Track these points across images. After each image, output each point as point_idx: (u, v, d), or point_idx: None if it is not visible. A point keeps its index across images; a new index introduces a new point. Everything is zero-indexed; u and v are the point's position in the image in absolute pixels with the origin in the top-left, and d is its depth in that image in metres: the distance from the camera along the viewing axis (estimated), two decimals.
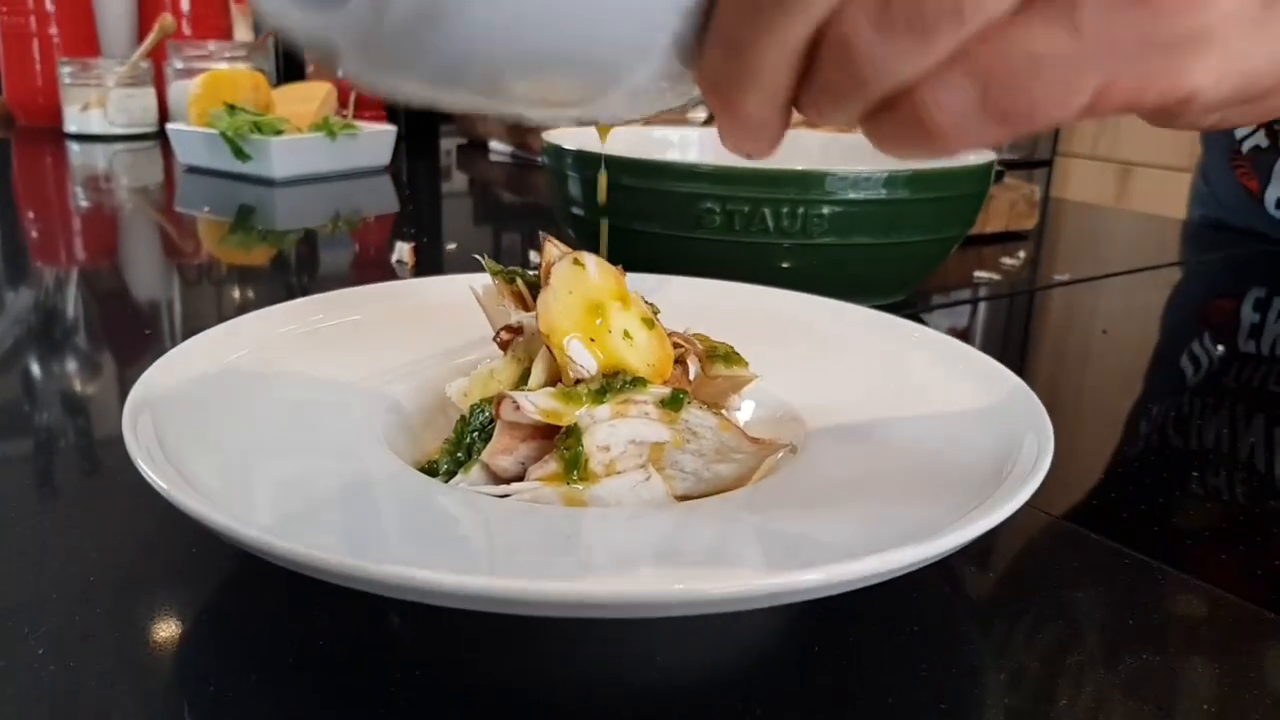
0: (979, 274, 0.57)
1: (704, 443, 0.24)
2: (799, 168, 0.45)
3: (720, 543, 0.21)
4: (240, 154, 0.78)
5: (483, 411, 0.25)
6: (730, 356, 0.27)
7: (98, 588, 0.23)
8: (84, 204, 0.82)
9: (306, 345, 0.32)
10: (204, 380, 0.28)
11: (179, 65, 1.03)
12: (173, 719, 0.20)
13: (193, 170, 0.85)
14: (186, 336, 0.29)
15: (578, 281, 0.25)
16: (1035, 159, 0.79)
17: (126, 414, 0.24)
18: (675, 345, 0.27)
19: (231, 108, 0.80)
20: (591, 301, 0.25)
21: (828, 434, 0.27)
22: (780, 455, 0.25)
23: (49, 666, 0.20)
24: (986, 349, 0.30)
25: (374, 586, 0.18)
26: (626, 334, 0.25)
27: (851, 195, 0.45)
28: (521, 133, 0.99)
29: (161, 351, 0.28)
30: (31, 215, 0.78)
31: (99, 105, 1.02)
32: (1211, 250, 0.71)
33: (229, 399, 0.27)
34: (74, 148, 1.02)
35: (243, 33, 1.23)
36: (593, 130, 0.56)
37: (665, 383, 0.25)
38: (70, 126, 1.04)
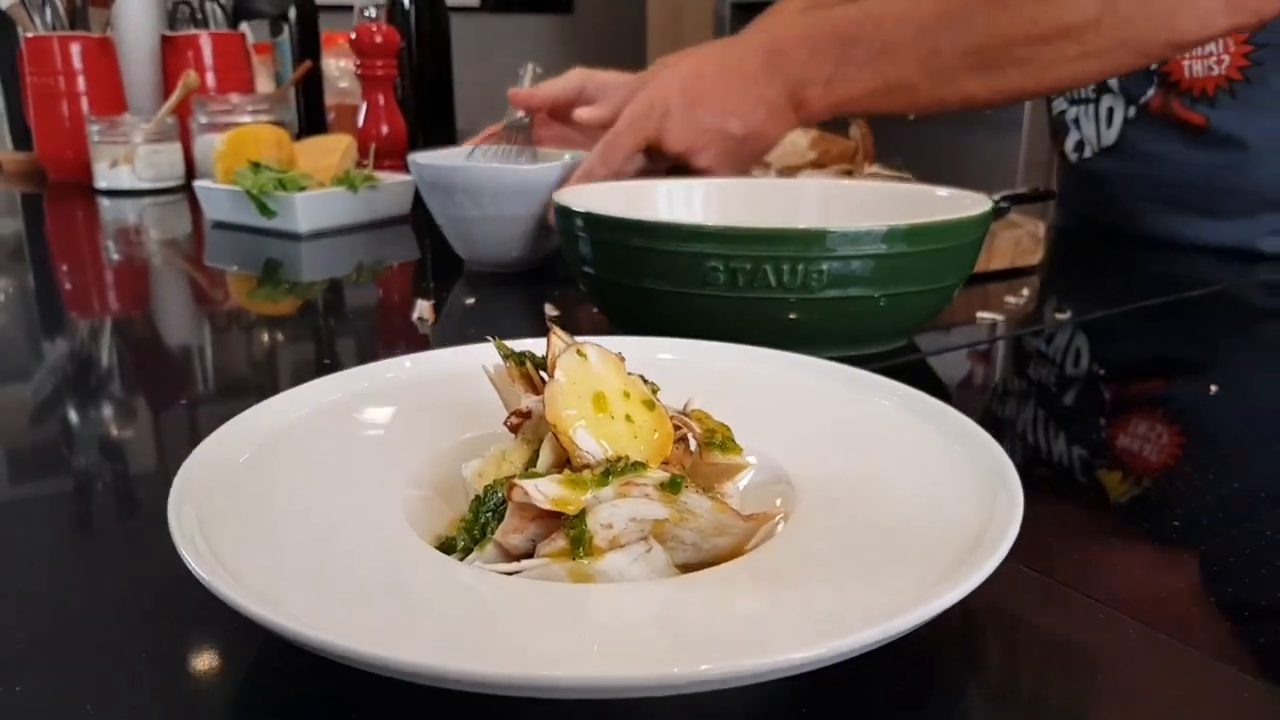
0: (981, 315, 0.58)
1: (701, 521, 0.26)
2: (800, 226, 0.47)
3: (710, 624, 0.23)
4: (265, 211, 0.81)
5: (496, 493, 0.27)
6: (726, 444, 0.29)
7: (130, 626, 0.25)
8: (115, 257, 0.85)
9: (335, 423, 0.34)
10: (239, 465, 0.30)
11: (204, 120, 1.06)
12: None
13: (220, 225, 0.88)
14: (220, 385, 0.31)
15: (581, 372, 0.27)
16: (1046, 191, 0.80)
17: (171, 502, 0.26)
18: (675, 426, 0.28)
19: (256, 165, 0.83)
20: (594, 391, 0.27)
21: (814, 500, 0.29)
22: (770, 527, 0.27)
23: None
24: (982, 396, 0.32)
25: (394, 673, 0.20)
26: (629, 418, 0.27)
27: (850, 251, 0.47)
28: None
29: (195, 397, 0.30)
30: (65, 268, 0.81)
31: (127, 162, 1.05)
32: (1209, 283, 0.72)
33: (262, 483, 0.29)
34: (104, 203, 1.06)
35: (264, 83, 1.27)
36: (601, 194, 0.58)
37: (666, 462, 0.27)
38: (100, 183, 1.07)
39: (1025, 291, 0.64)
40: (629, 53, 3.80)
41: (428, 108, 1.11)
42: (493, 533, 0.26)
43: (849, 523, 0.27)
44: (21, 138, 1.24)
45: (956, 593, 0.22)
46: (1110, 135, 0.85)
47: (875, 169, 0.82)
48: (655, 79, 0.65)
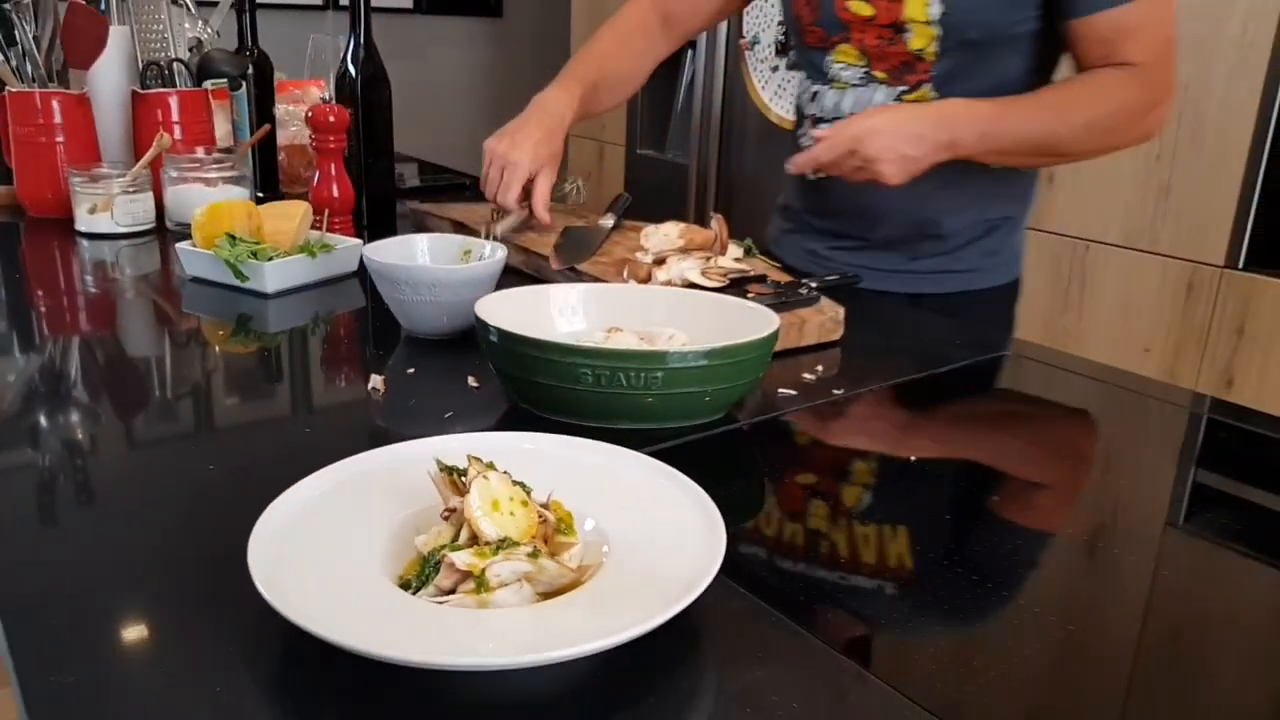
0: (782, 391, 0.81)
1: (550, 572, 0.48)
2: (644, 349, 0.69)
3: (546, 630, 0.45)
4: (240, 276, 1.00)
5: (435, 556, 0.48)
6: (567, 528, 0.50)
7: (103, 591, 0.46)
8: (93, 289, 1.03)
9: (344, 495, 0.54)
10: (282, 528, 0.50)
11: (174, 173, 1.23)
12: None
13: (196, 280, 1.07)
14: (175, 395, 0.52)
15: (486, 487, 0.49)
16: (851, 278, 1.04)
17: (251, 552, 0.47)
18: (540, 514, 0.50)
19: (232, 237, 1.01)
20: (492, 498, 0.48)
21: (617, 548, 0.51)
22: (594, 573, 0.49)
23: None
24: (752, 466, 0.53)
25: (374, 658, 0.41)
26: (512, 513, 0.49)
27: (677, 365, 0.69)
28: (466, 230, 1.21)
29: (170, 408, 0.50)
30: (42, 292, 0.99)
31: (105, 209, 1.22)
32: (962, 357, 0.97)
33: (295, 541, 0.50)
34: (83, 243, 1.23)
35: (222, 125, 1.43)
36: (509, 301, 0.79)
37: (532, 537, 0.49)
38: (80, 226, 1.24)
39: (819, 368, 0.87)
40: (554, 55, 3.96)
41: (371, 165, 1.29)
42: (432, 579, 0.48)
43: (632, 566, 0.49)
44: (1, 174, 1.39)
45: (679, 607, 0.44)
46: None
47: (731, 249, 1.04)
48: (855, 122, 1.01)
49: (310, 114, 1.16)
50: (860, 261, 1.18)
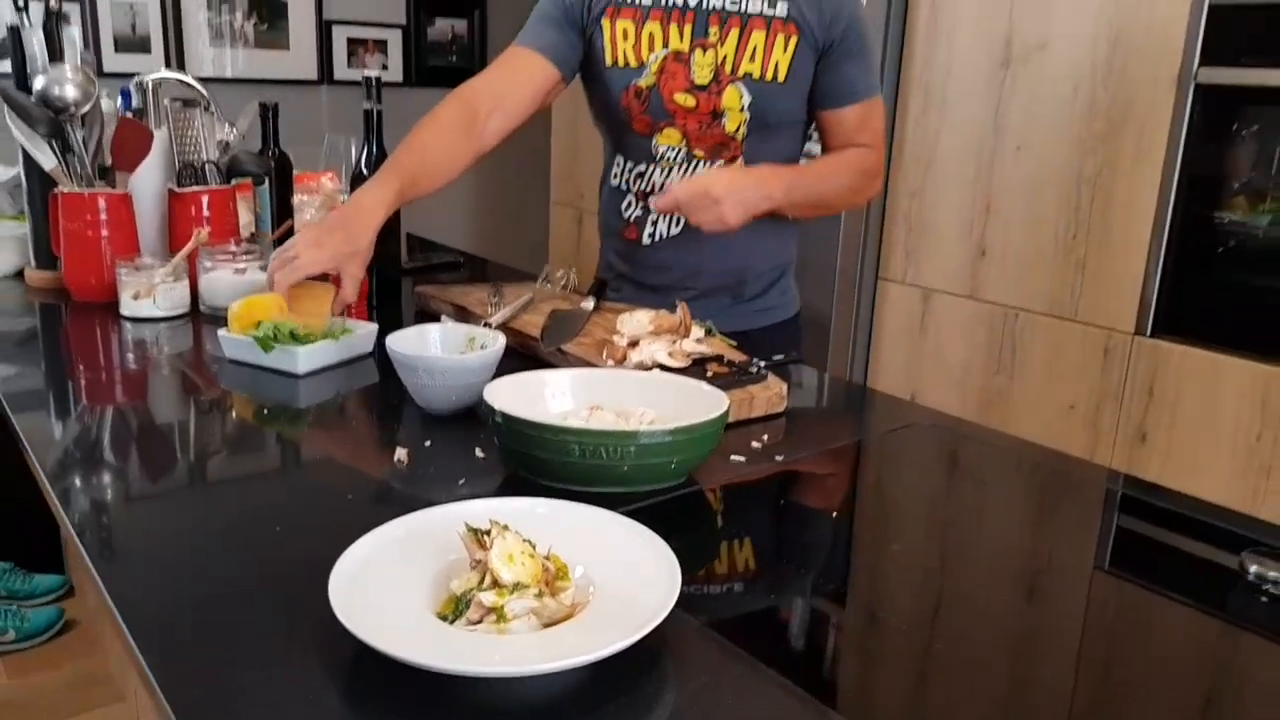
0: (734, 457, 0.99)
1: (551, 607, 0.65)
2: (621, 428, 0.87)
3: (549, 649, 0.62)
4: (270, 353, 1.17)
5: (466, 596, 0.66)
6: (563, 574, 0.68)
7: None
8: (164, 367, 1.20)
9: (397, 546, 0.72)
10: (351, 572, 0.67)
11: (209, 264, 1.41)
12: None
13: (234, 362, 1.24)
14: (247, 463, 0.69)
15: (503, 544, 0.66)
16: (796, 357, 1.23)
17: (332, 592, 0.64)
18: (544, 564, 0.68)
19: (259, 325, 1.19)
20: (508, 552, 0.66)
21: (600, 588, 0.68)
22: (584, 607, 0.67)
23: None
24: (709, 521, 0.71)
25: (424, 669, 0.58)
26: (523, 564, 0.66)
27: (646, 442, 0.87)
28: (466, 313, 1.40)
29: (241, 473, 0.67)
30: (82, 368, 1.15)
31: (147, 295, 1.39)
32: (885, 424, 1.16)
33: (364, 580, 0.67)
34: (127, 325, 1.40)
35: (245, 215, 1.61)
36: (511, 386, 0.97)
37: (538, 582, 0.66)
38: (125, 311, 1.41)
39: (765, 437, 1.05)
40: (538, 120, 4.16)
41: (380, 253, 1.47)
42: (465, 613, 0.65)
43: (611, 602, 0.67)
44: (45, 259, 1.56)
45: (644, 631, 0.61)
46: None
47: (694, 331, 1.23)
48: (703, 176, 1.33)
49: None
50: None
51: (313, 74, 3.59)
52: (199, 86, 1.58)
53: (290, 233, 1.58)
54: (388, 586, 0.68)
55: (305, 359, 1.19)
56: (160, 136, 1.49)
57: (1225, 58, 1.79)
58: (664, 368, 1.13)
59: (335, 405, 1.15)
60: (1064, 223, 2.02)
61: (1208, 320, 1.88)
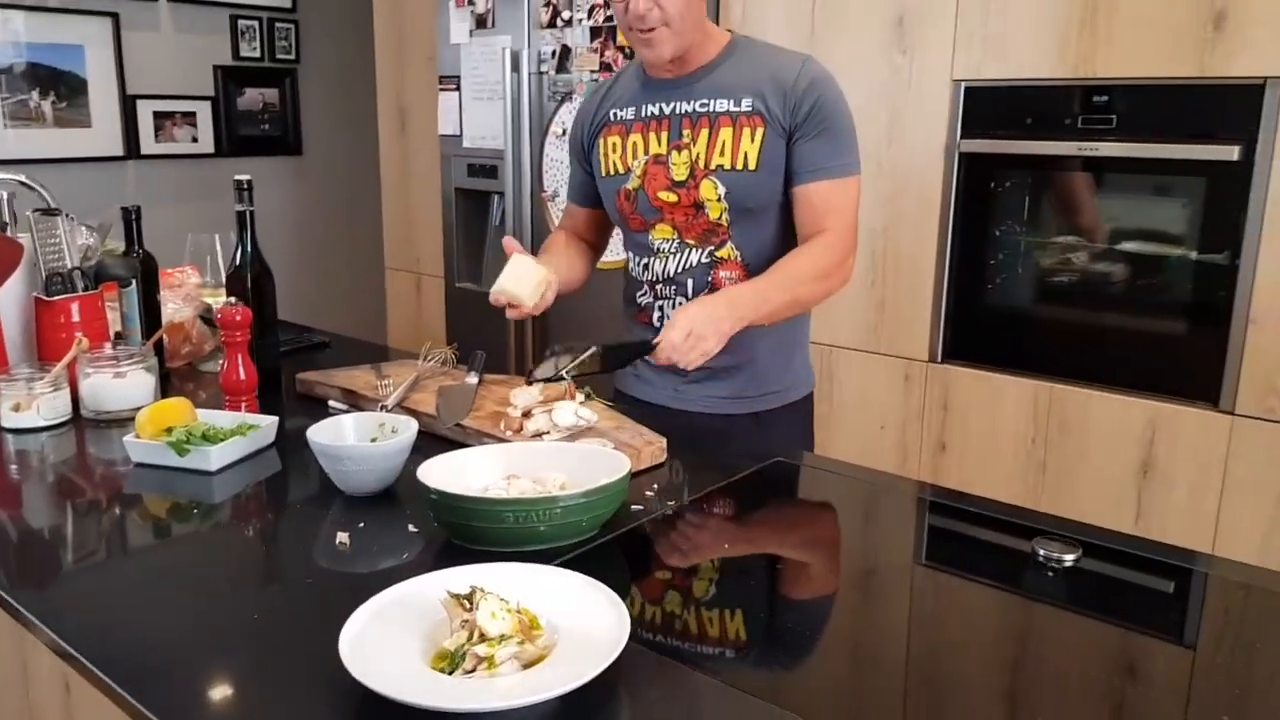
0: (634, 506, 1.16)
1: (530, 653, 0.80)
2: (545, 494, 1.02)
3: (536, 684, 0.77)
4: (184, 454, 1.25)
5: (461, 650, 0.79)
6: (534, 623, 0.83)
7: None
8: (43, 474, 1.24)
9: (394, 609, 0.84)
10: (355, 633, 0.79)
11: (89, 371, 1.45)
12: None
13: (141, 466, 1.29)
14: (205, 559, 0.81)
15: (486, 604, 0.80)
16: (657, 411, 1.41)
17: (343, 653, 0.76)
18: (520, 618, 0.82)
19: (171, 429, 1.26)
20: (491, 610, 0.80)
21: (564, 634, 0.83)
22: (554, 648, 0.81)
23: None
24: (619, 567, 0.87)
25: (425, 709, 0.72)
26: (503, 617, 0.81)
27: (564, 505, 1.02)
28: (356, 396, 1.50)
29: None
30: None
31: (29, 407, 1.41)
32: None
33: (369, 640, 0.79)
34: (9, 437, 1.41)
35: (112, 317, 1.64)
36: (445, 463, 1.10)
37: (516, 632, 0.81)
38: (6, 424, 1.42)
39: (655, 486, 1.23)
40: (355, 188, 4.22)
41: (260, 344, 1.55)
42: (461, 665, 0.79)
43: (575, 644, 0.82)
44: None
45: (605, 664, 0.77)
46: None
47: (578, 398, 1.39)
48: (679, 319, 1.35)
49: (220, 315, 1.42)
50: (704, 392, 1.57)
51: (118, 150, 3.51)
52: (47, 195, 1.62)
53: (161, 342, 1.62)
54: (387, 650, 0.80)
55: (218, 456, 1.26)
56: (26, 246, 1.51)
57: (980, 131, 2.15)
58: (557, 430, 1.29)
59: (254, 497, 1.24)
60: (864, 270, 2.33)
61: (985, 346, 2.24)
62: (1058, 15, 2.02)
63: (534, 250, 1.59)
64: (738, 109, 1.47)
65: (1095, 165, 2.06)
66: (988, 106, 2.14)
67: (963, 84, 2.17)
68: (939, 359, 2.29)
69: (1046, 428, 2.14)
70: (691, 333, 1.34)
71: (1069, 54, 2.02)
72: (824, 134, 1.46)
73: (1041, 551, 1.05)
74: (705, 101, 1.49)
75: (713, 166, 1.47)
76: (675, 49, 1.45)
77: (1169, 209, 2.03)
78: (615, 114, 1.57)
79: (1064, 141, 2.06)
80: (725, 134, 1.47)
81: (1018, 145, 2.11)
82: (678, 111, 1.50)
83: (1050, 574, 1.03)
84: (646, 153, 1.52)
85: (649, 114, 1.52)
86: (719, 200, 1.48)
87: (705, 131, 1.48)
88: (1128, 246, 2.07)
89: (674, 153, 1.50)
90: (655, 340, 1.37)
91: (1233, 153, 1.87)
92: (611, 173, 1.57)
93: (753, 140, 1.46)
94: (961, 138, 2.18)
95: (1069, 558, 1.04)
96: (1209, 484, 1.97)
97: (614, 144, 1.56)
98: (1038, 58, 2.06)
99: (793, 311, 1.52)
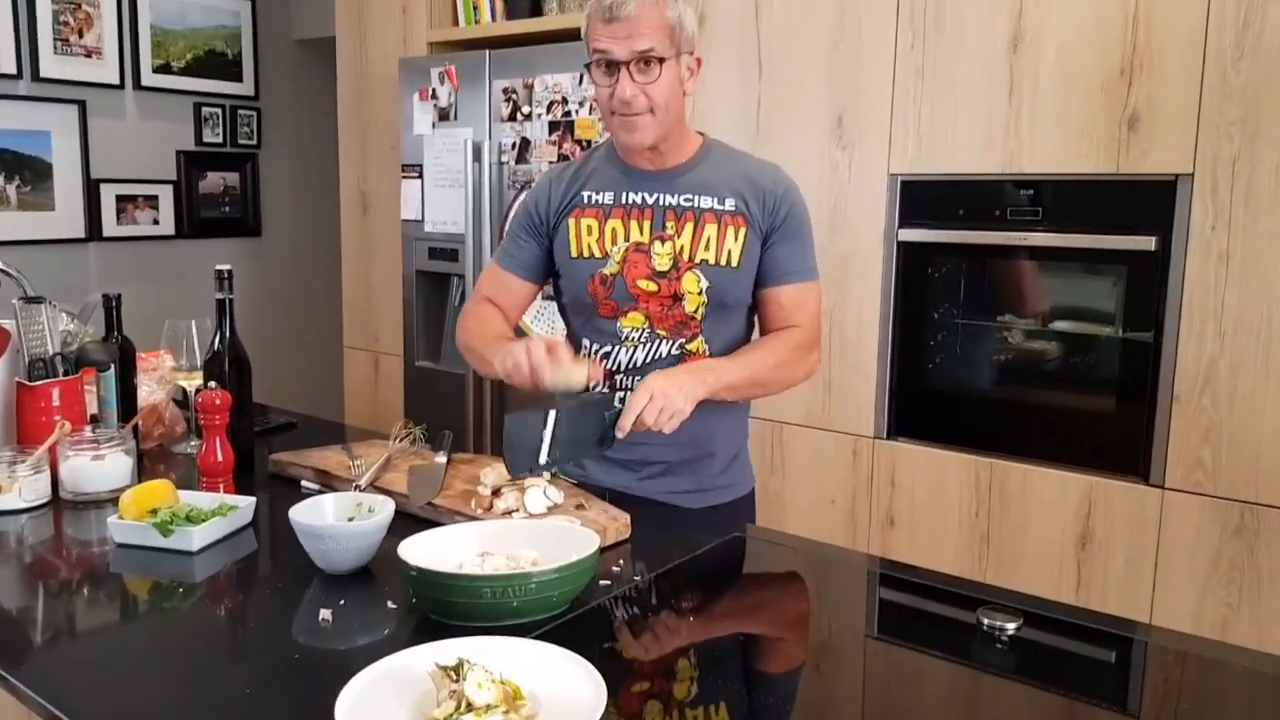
0: (602, 582, 1.23)
1: (513, 718, 0.86)
2: (519, 570, 1.09)
3: None
4: (168, 535, 1.29)
5: (451, 718, 0.85)
6: (517, 693, 0.89)
7: None
8: (27, 554, 1.27)
9: (385, 679, 0.89)
10: (348, 704, 0.85)
11: (70, 453, 1.49)
12: None
13: (123, 546, 1.33)
14: (201, 637, 0.86)
15: (473, 675, 0.86)
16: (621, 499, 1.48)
17: (339, 713, 0.81)
18: (504, 688, 0.88)
19: (154, 511, 1.30)
20: (478, 681, 0.86)
21: (546, 703, 0.89)
22: (536, 715, 0.87)
23: None
24: (590, 639, 0.93)
25: None
26: (489, 688, 0.87)
27: (539, 580, 1.09)
28: (329, 476, 1.55)
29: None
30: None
31: (10, 489, 1.45)
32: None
33: (360, 708, 0.84)
34: None
35: (90, 400, 1.68)
36: (426, 541, 1.15)
37: (504, 700, 0.87)
38: None
39: (621, 561, 1.30)
40: (312, 268, 4.29)
41: (235, 427, 1.60)
42: None
43: (555, 708, 0.88)
44: None
45: None
46: None
47: (544, 476, 1.46)
48: (647, 384, 1.37)
49: (200, 399, 1.48)
50: (662, 486, 1.60)
51: (80, 232, 3.54)
52: (25, 282, 1.67)
53: (136, 428, 1.67)
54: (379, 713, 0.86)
55: (200, 537, 1.31)
56: (11, 333, 1.56)
57: (917, 221, 2.30)
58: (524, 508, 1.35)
59: (235, 576, 1.28)
60: None
61: (928, 423, 2.35)
62: (985, 115, 2.19)
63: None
64: (722, 207, 1.52)
65: (1025, 253, 2.21)
66: (923, 198, 2.30)
67: (899, 178, 2.32)
68: (885, 436, 2.40)
69: (989, 501, 2.25)
70: (666, 396, 1.35)
71: (996, 151, 2.18)
72: (795, 240, 1.53)
73: (985, 621, 1.13)
74: (690, 197, 1.53)
75: (697, 260, 1.51)
76: (656, 136, 1.49)
77: (1097, 290, 2.18)
78: (590, 197, 1.57)
79: (995, 231, 2.21)
80: (710, 230, 1.51)
81: (952, 234, 2.26)
82: (661, 203, 1.53)
83: (998, 645, 1.11)
84: (627, 239, 1.54)
85: (630, 201, 1.54)
86: (700, 294, 1.51)
87: (690, 225, 1.52)
88: (1059, 326, 2.21)
89: (657, 243, 1.52)
90: (618, 405, 1.38)
91: (1150, 243, 2.03)
92: (586, 255, 1.57)
93: (736, 239, 1.51)
94: (900, 227, 2.33)
95: (1011, 626, 1.11)
96: (1144, 554, 2.08)
97: (589, 226, 1.56)
98: (968, 154, 2.22)
99: (753, 392, 1.58)
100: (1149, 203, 2.04)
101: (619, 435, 1.38)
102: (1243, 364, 1.96)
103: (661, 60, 1.44)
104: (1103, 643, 1.15)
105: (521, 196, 1.77)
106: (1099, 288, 2.17)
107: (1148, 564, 2.08)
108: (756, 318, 1.60)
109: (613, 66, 1.45)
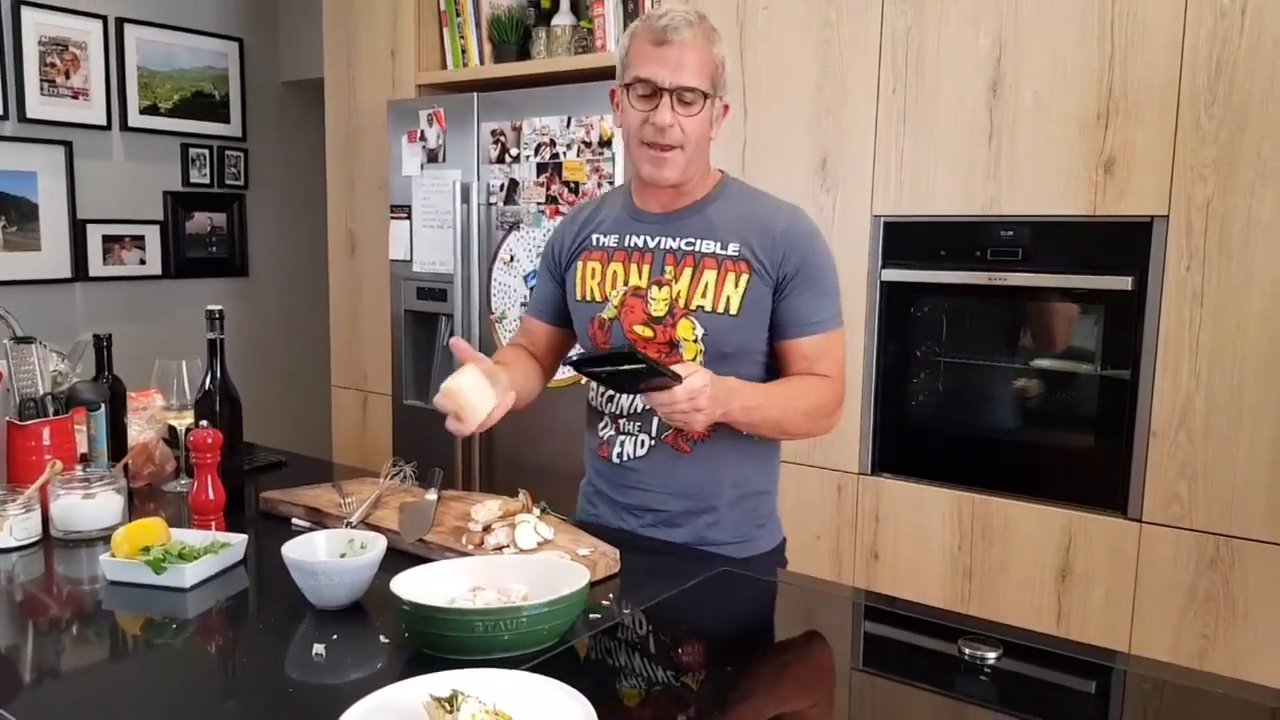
0: (592, 615, 1.24)
1: None
2: (510, 604, 1.10)
3: None
4: (160, 572, 1.29)
5: None
6: None
7: None
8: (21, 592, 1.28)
9: (391, 713, 0.90)
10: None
11: (61, 492, 1.49)
12: None
13: (115, 584, 1.33)
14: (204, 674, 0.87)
15: (468, 706, 0.88)
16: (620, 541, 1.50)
17: None
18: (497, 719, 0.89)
19: (147, 549, 1.31)
20: (472, 713, 0.87)
21: None
22: None
23: None
24: (580, 671, 0.94)
25: None
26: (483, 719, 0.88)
27: (529, 614, 1.10)
28: (320, 514, 1.56)
29: (196, 680, 0.85)
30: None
31: (1, 528, 1.45)
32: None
33: None
34: None
35: (80, 439, 1.69)
36: (418, 576, 1.17)
37: None
38: None
39: (611, 595, 1.31)
40: (300, 308, 4.30)
41: (226, 466, 1.61)
42: None
43: None
44: None
45: None
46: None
47: (534, 510, 1.47)
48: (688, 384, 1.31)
49: (192, 438, 1.49)
50: (661, 535, 1.55)
51: (66, 273, 3.55)
52: (15, 323, 1.68)
53: (126, 467, 1.67)
54: None
55: (192, 574, 1.31)
56: (3, 373, 1.57)
57: (899, 261, 2.35)
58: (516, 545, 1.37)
59: (227, 613, 1.29)
60: None
61: (912, 459, 2.38)
62: (966, 158, 2.25)
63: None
64: (724, 252, 1.48)
65: (1005, 292, 2.26)
66: (905, 239, 2.35)
67: (882, 219, 2.37)
68: (870, 471, 2.43)
69: (971, 535, 2.28)
70: (699, 394, 1.31)
71: (976, 193, 2.24)
72: (814, 289, 1.48)
73: (967, 651, 1.15)
74: (691, 241, 1.49)
75: (693, 306, 1.47)
76: (681, 175, 1.46)
77: (1076, 328, 2.23)
78: (598, 239, 1.57)
79: (975, 271, 2.26)
80: (709, 275, 1.47)
81: (934, 275, 2.31)
82: (662, 247, 1.51)
83: (981, 676, 1.13)
84: (626, 284, 1.52)
85: (632, 245, 1.53)
86: (695, 341, 1.48)
87: (689, 270, 1.48)
88: (1039, 364, 2.26)
89: (654, 288, 1.50)
90: (680, 374, 1.31)
91: (1127, 283, 2.08)
92: (588, 298, 1.56)
93: (736, 285, 1.47)
94: (883, 267, 2.38)
95: (992, 656, 1.14)
96: (1123, 587, 2.11)
97: (593, 269, 1.55)
98: (949, 196, 2.28)
99: (772, 433, 1.52)
100: (1125, 243, 2.09)
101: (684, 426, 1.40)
102: (1217, 400, 2.00)
103: (705, 96, 1.43)
104: (1083, 672, 1.18)
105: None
106: (1078, 326, 2.22)
107: (1126, 596, 2.11)
108: (779, 367, 1.53)
109: (652, 93, 1.42)
